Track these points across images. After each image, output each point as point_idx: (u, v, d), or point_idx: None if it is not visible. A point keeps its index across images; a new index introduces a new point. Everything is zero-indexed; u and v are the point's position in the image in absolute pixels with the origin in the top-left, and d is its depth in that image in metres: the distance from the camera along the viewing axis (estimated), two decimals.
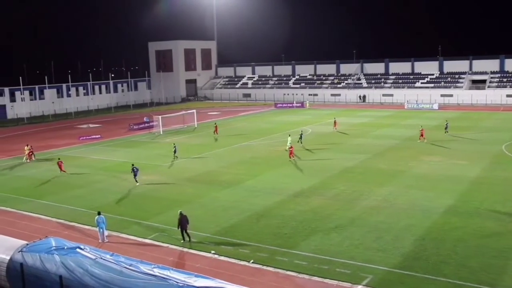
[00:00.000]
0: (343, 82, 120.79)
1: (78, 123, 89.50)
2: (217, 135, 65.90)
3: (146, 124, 78.26)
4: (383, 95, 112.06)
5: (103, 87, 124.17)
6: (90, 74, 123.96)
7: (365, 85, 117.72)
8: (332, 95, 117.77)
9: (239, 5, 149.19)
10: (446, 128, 62.62)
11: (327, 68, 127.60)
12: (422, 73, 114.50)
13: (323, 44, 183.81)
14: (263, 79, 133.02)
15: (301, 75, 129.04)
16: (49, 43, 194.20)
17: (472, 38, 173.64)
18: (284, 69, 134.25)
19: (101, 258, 17.82)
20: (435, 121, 73.85)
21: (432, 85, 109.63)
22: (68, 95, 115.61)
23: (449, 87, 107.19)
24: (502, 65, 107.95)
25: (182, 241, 27.56)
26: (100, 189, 40.31)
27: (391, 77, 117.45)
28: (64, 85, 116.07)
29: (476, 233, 27.58)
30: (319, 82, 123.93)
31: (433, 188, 37.01)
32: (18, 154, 56.76)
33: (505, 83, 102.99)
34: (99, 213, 28.50)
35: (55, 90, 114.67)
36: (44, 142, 65.79)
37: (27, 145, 54.14)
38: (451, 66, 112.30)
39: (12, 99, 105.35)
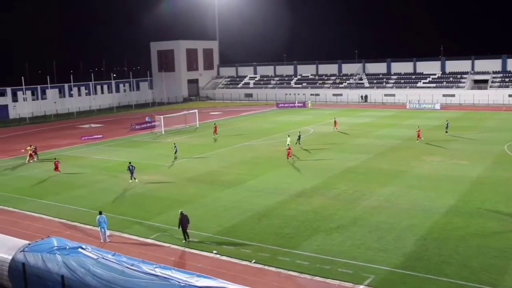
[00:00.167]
0: (345, 82, 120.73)
1: (80, 123, 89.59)
2: (217, 135, 65.72)
3: (148, 124, 78.33)
4: (385, 95, 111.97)
5: (105, 87, 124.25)
6: (92, 74, 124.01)
7: (367, 85, 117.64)
8: (334, 95, 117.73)
9: (241, 5, 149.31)
10: (446, 128, 62.57)
11: (329, 68, 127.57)
12: (424, 73, 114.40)
13: (325, 44, 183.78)
14: (265, 79, 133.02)
15: (303, 75, 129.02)
16: (51, 43, 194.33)
17: (474, 38, 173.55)
18: (286, 69, 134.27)
19: (103, 258, 17.85)
20: (437, 121, 73.76)
21: (434, 85, 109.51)
22: (70, 95, 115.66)
23: (451, 87, 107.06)
24: (504, 65, 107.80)
25: (184, 241, 27.58)
26: (102, 189, 40.35)
27: (393, 77, 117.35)
28: (66, 85, 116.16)
29: (477, 233, 27.56)
30: (321, 82, 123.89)
31: (434, 188, 36.99)
32: (20, 154, 56.86)
33: (507, 83, 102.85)
34: (100, 213, 28.56)
35: (57, 90, 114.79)
36: (46, 142, 65.85)
37: (30, 146, 54.11)
38: (453, 66, 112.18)
39: (14, 99, 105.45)
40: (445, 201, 33.51)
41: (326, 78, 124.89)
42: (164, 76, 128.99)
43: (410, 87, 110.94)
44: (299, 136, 57.34)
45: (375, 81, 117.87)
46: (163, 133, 70.63)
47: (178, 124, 77.09)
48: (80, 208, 34.95)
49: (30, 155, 52.45)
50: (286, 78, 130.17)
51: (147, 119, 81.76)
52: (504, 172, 41.43)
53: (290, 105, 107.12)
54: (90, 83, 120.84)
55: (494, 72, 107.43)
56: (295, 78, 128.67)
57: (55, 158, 48.57)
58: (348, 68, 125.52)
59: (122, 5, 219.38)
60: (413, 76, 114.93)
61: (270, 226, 29.81)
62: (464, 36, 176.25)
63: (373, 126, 72.22)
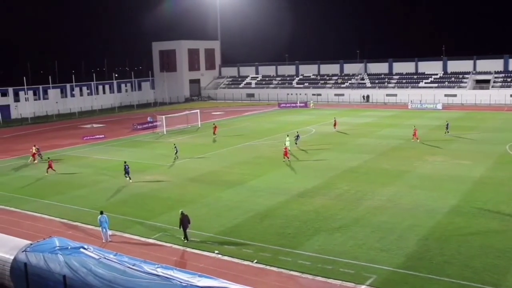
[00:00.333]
0: (347, 82, 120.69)
1: (82, 123, 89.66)
2: (216, 136, 65.39)
3: (150, 124, 78.36)
4: (387, 95, 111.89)
5: (107, 87, 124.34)
6: (94, 74, 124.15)
7: (368, 85, 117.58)
8: (335, 95, 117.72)
9: (242, 5, 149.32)
10: (446, 128, 62.43)
11: (330, 68, 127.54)
12: (426, 73, 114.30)
13: (327, 44, 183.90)
14: (267, 79, 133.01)
15: (304, 75, 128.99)
16: (53, 43, 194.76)
17: (476, 38, 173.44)
18: (287, 69, 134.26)
19: (105, 258, 17.84)
20: (439, 121, 73.65)
21: (436, 85, 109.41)
22: (72, 95, 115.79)
23: (453, 87, 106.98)
24: (506, 65, 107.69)
25: (186, 241, 27.57)
26: (104, 189, 40.35)
27: (394, 77, 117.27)
28: (68, 85, 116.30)
29: (480, 233, 27.52)
30: (322, 82, 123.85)
31: (437, 188, 36.94)
32: (22, 154, 56.93)
33: (509, 83, 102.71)
34: (101, 213, 28.59)
35: (59, 90, 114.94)
36: (48, 142, 65.89)
37: (34, 145, 54.03)
38: (455, 66, 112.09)
39: (16, 99, 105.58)
40: (447, 201, 33.46)
41: (328, 78, 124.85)
42: (166, 76, 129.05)
43: (412, 87, 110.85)
44: (297, 136, 57.06)
45: (377, 81, 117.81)
46: (165, 133, 70.63)
47: (180, 124, 77.10)
48: (81, 208, 34.96)
49: (33, 155, 52.41)
50: (288, 78, 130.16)
51: (149, 119, 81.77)
52: (506, 172, 41.36)
53: (292, 105, 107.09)
54: (92, 83, 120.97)
55: (496, 72, 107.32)
56: (297, 78, 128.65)
57: (48, 158, 48.67)
58: (350, 68, 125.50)
59: (124, 5, 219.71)
60: (415, 76, 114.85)
61: (272, 226, 29.79)
62: (466, 36, 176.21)
63: (375, 126, 72.18)
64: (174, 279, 16.06)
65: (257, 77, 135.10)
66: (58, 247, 18.79)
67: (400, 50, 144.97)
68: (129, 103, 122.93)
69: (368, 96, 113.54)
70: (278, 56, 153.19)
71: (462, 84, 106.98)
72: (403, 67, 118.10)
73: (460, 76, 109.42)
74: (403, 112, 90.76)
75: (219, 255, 25.75)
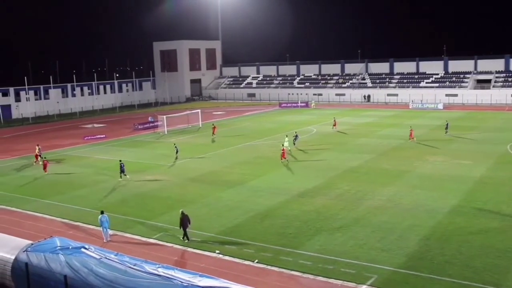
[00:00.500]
0: (348, 82, 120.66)
1: (83, 123, 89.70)
2: (215, 136, 65.16)
3: (151, 124, 78.39)
4: (388, 94, 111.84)
5: (108, 87, 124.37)
6: (95, 74, 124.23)
7: (369, 85, 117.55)
8: (336, 94, 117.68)
9: (243, 5, 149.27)
10: (446, 128, 62.35)
11: (331, 68, 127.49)
12: (427, 72, 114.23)
13: (328, 44, 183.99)
14: (268, 79, 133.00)
15: (305, 75, 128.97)
16: (54, 43, 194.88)
17: (477, 38, 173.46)
18: (288, 69, 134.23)
19: (106, 257, 17.86)
20: (440, 121, 73.57)
21: (437, 84, 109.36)
22: (73, 95, 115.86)
23: (454, 87, 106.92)
24: (507, 64, 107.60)
25: (187, 240, 27.60)
26: (104, 189, 40.38)
27: (395, 76, 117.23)
28: (69, 85, 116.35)
29: (480, 233, 27.52)
30: (323, 82, 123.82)
31: (437, 188, 36.95)
32: (23, 154, 57.02)
33: (510, 83, 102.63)
34: (102, 212, 28.65)
35: (60, 90, 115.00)
36: (49, 142, 65.92)
37: (37, 146, 53.86)
38: (456, 65, 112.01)
39: (17, 99, 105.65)
40: (448, 201, 33.47)
41: (329, 78, 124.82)
42: (167, 76, 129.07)
43: (413, 87, 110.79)
44: (296, 137, 56.92)
45: (378, 81, 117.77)
46: (165, 133, 70.65)
47: (181, 124, 77.12)
48: (82, 208, 35.00)
49: (36, 156, 51.97)
50: (289, 78, 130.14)
51: (149, 119, 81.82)
52: (506, 172, 41.35)
53: (293, 105, 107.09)
54: (93, 83, 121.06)
55: (497, 72, 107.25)
56: (298, 78, 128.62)
57: (44, 157, 48.54)
58: (351, 68, 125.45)
59: (124, 5, 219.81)
60: (416, 76, 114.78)
61: (272, 226, 29.82)
62: (467, 35, 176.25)
63: (375, 126, 72.17)
64: (175, 279, 16.08)
65: (258, 77, 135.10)
66: (59, 247, 18.82)
67: (401, 50, 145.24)
68: (130, 103, 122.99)
69: (369, 96, 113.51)
70: (279, 56, 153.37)
71: (463, 84, 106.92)
72: (404, 67, 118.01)
73: (461, 76, 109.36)
74: (404, 112, 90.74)
75: (220, 255, 25.77)
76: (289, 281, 22.78)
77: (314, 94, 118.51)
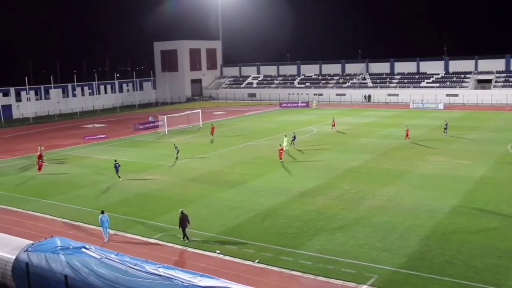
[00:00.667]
0: (348, 82, 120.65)
1: (84, 123, 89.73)
2: (214, 136, 64.77)
3: (151, 124, 78.41)
4: (389, 94, 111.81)
5: (109, 87, 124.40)
6: (96, 74, 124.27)
7: (370, 84, 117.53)
8: (337, 94, 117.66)
9: (244, 5, 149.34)
10: (445, 128, 62.22)
11: (332, 68, 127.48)
12: (428, 72, 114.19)
13: (328, 44, 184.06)
14: (268, 79, 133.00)
15: (306, 75, 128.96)
16: (55, 43, 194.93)
17: (477, 38, 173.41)
18: (289, 69, 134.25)
19: (106, 257, 17.87)
20: (440, 121, 73.50)
21: (438, 84, 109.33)
22: (74, 95, 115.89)
23: (455, 87, 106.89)
24: (507, 64, 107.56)
25: (187, 240, 27.61)
26: (105, 188, 40.41)
27: (396, 76, 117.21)
28: (69, 85, 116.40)
29: (481, 233, 27.52)
30: (324, 82, 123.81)
31: (438, 188, 36.94)
32: (24, 154, 57.05)
33: (511, 83, 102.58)
34: (102, 212, 28.68)
35: (60, 90, 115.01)
36: (50, 142, 65.92)
37: (41, 145, 53.75)
38: (456, 65, 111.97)
39: (18, 99, 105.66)
40: (448, 201, 33.47)
41: (329, 78, 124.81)
42: (168, 76, 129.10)
43: (414, 87, 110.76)
44: (294, 137, 56.84)
45: (378, 81, 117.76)
46: (166, 133, 70.67)
47: (181, 124, 77.13)
48: (83, 208, 35.02)
49: (39, 156, 51.63)
50: (290, 78, 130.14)
51: (150, 119, 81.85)
52: (507, 172, 41.34)
53: (294, 105, 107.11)
54: (94, 83, 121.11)
55: (497, 72, 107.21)
56: (298, 78, 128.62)
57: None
58: (352, 68, 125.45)
59: (125, 5, 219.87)
60: (417, 76, 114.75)
61: (273, 226, 29.82)
62: (468, 35, 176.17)
63: (376, 126, 72.16)
64: (175, 279, 16.08)
65: (259, 77, 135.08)
66: (59, 247, 18.82)
67: (401, 50, 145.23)
68: (131, 103, 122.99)
69: (369, 96, 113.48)
70: (279, 56, 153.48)
71: (463, 84, 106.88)
72: (405, 67, 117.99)
73: (462, 76, 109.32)
74: (404, 112, 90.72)
75: (221, 255, 25.79)
76: (289, 281, 22.79)
77: (314, 94, 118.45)
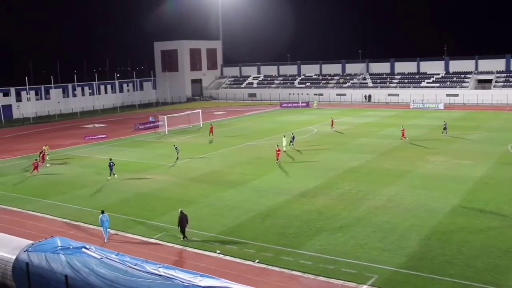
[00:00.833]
0: (349, 82, 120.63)
1: (84, 123, 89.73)
2: (213, 137, 64.83)
3: (152, 124, 78.41)
4: (389, 94, 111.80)
5: (109, 87, 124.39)
6: (96, 74, 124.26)
7: (370, 84, 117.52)
8: (337, 94, 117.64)
9: (244, 5, 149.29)
10: (444, 129, 62.14)
11: (332, 68, 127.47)
12: (428, 72, 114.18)
13: (329, 44, 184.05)
14: (269, 78, 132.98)
15: (306, 75, 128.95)
16: (55, 43, 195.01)
17: (477, 38, 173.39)
18: (289, 69, 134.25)
19: (107, 257, 17.86)
20: (440, 121, 73.44)
21: (438, 84, 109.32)
22: (74, 95, 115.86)
23: (455, 87, 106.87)
24: (508, 64, 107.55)
25: (186, 240, 27.60)
26: (105, 188, 40.42)
27: (396, 76, 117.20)
28: (69, 85, 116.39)
29: (481, 233, 27.51)
30: (324, 82, 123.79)
31: (438, 188, 36.93)
32: (24, 154, 57.05)
33: (511, 83, 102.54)
34: (102, 212, 28.68)
35: (60, 90, 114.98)
36: (50, 142, 65.56)
37: (46, 145, 53.63)
38: (457, 65, 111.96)
39: (18, 99, 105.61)
40: (449, 201, 33.46)
41: (329, 78, 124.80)
42: (168, 76, 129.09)
43: (414, 87, 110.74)
44: (293, 137, 56.76)
45: (378, 81, 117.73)
46: (166, 133, 70.66)
47: (182, 124, 77.12)
48: (83, 208, 35.02)
49: (43, 157, 51.59)
50: (290, 78, 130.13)
51: (150, 119, 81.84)
52: (507, 172, 41.32)
53: (294, 105, 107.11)
54: (94, 83, 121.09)
55: (498, 72, 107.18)
56: (299, 78, 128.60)
57: (36, 159, 48.39)
58: (352, 68, 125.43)
59: (125, 5, 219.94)
60: (417, 76, 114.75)
61: (273, 226, 29.82)
62: (468, 35, 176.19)
63: (376, 126, 72.14)
64: (176, 279, 16.07)
65: (259, 77, 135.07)
66: (60, 247, 18.81)
67: (402, 50, 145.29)
68: (131, 103, 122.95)
69: (370, 96, 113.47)
70: (280, 56, 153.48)
71: (464, 84, 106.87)
72: (405, 67, 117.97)
73: (462, 76, 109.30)
74: (405, 112, 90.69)
75: (221, 255, 25.78)
76: (289, 281, 22.78)
77: (315, 94, 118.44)
